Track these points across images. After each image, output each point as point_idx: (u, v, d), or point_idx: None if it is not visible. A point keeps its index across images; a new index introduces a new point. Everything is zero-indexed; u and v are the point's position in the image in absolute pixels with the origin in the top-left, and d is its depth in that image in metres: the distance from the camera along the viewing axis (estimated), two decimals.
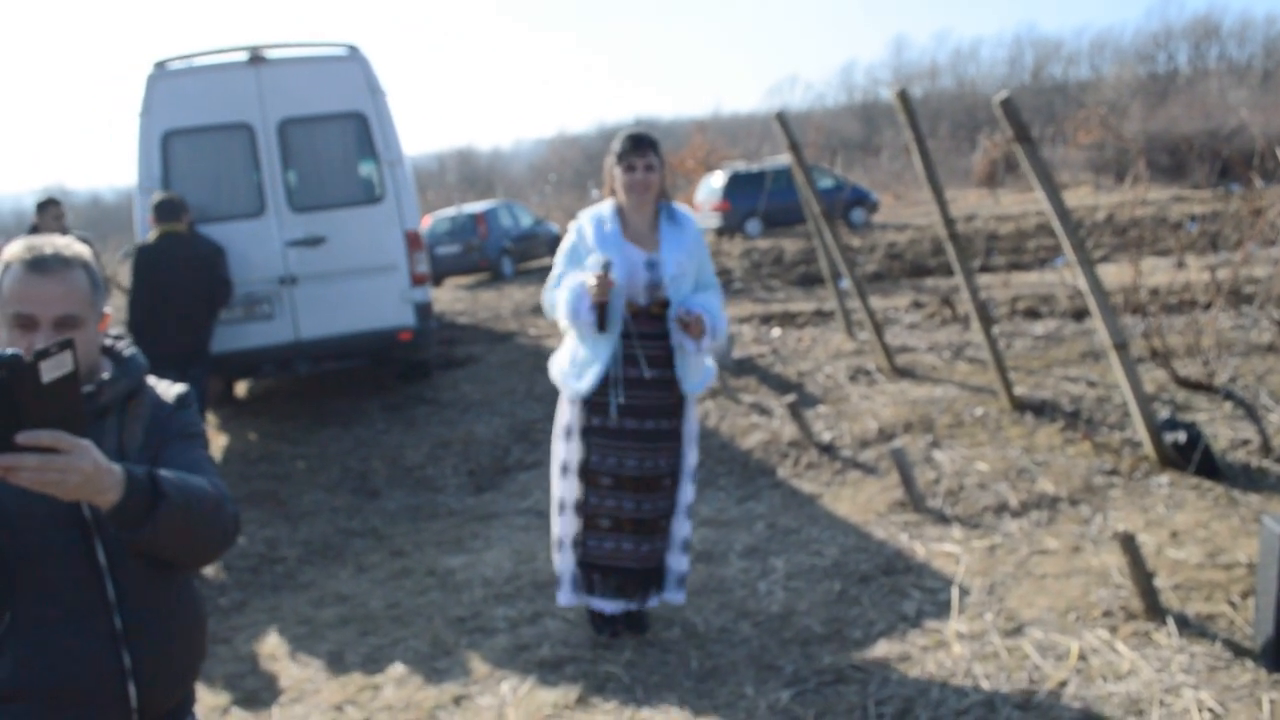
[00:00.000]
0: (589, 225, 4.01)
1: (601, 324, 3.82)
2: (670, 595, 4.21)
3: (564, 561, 4.17)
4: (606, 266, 3.74)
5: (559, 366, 4.14)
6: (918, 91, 62.07)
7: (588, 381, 3.99)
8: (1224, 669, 3.46)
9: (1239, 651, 3.55)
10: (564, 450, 4.13)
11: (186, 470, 2.03)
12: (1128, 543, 3.72)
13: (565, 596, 4.21)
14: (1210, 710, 3.23)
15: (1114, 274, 11.42)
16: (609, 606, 4.17)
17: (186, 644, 2.18)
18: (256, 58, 8.17)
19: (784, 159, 26.36)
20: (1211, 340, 7.23)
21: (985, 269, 14.02)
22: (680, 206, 4.21)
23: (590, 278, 3.76)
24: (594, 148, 53.36)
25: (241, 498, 6.87)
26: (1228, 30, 64.34)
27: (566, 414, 4.12)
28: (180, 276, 7.05)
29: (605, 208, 4.07)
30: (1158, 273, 11.82)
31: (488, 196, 38.05)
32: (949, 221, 6.60)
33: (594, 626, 4.25)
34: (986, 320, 6.47)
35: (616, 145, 4.03)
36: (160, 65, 8.03)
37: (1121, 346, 5.30)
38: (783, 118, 8.52)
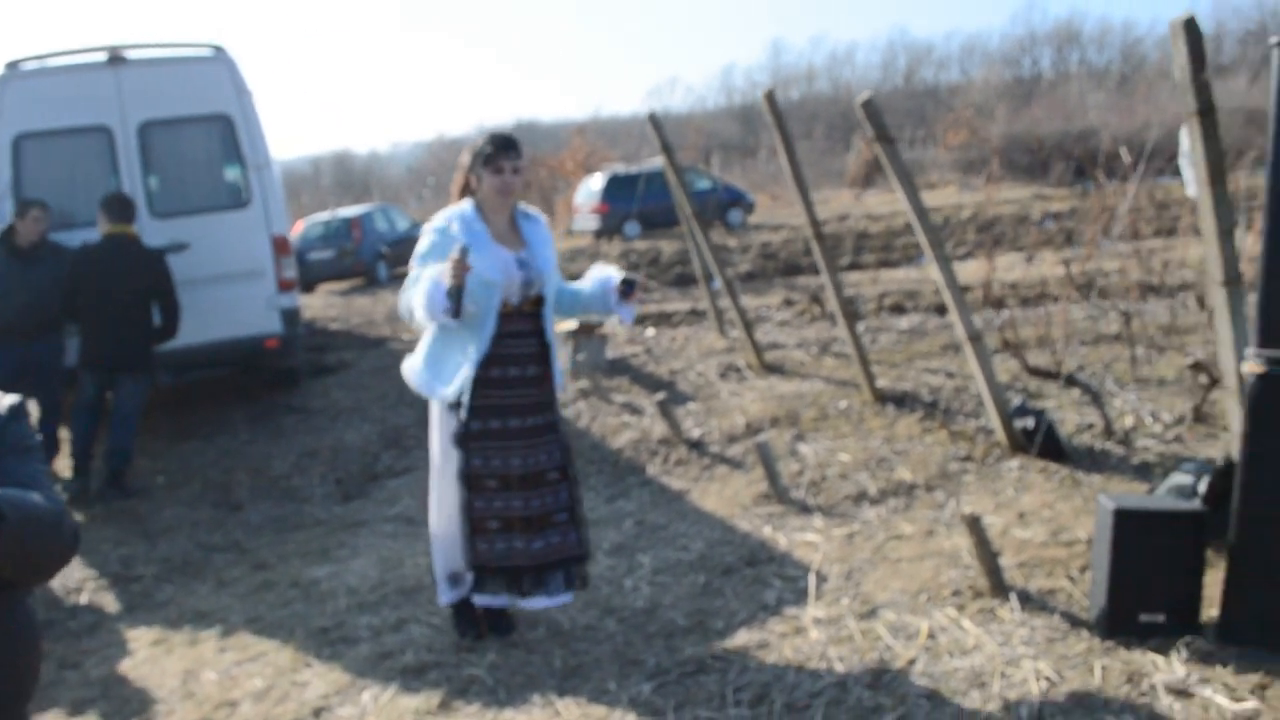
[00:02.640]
0: (457, 225, 3.97)
1: (457, 311, 3.75)
2: (559, 597, 4.15)
3: (445, 562, 4.11)
4: (464, 252, 3.70)
5: (413, 369, 4.10)
6: (795, 94, 63.34)
7: (456, 385, 3.95)
8: (1061, 640, 3.61)
9: (1075, 622, 3.71)
10: (442, 455, 4.08)
11: (22, 486, 1.95)
12: (974, 525, 3.86)
13: (446, 595, 4.17)
14: (1047, 679, 3.37)
15: (974, 269, 11.85)
16: (495, 601, 4.11)
17: (12, 669, 2.09)
18: (116, 58, 7.88)
19: (658, 160, 26.67)
20: (1060, 331, 7.56)
21: (855, 267, 14.39)
22: (526, 206, 4.25)
23: (446, 265, 3.73)
24: None
25: (97, 515, 6.62)
26: (1088, 36, 67.33)
27: (442, 418, 4.07)
28: (123, 282, 6.79)
29: (466, 208, 4.04)
30: (1016, 268, 12.31)
31: (364, 200, 37.36)
32: (814, 222, 6.75)
33: (459, 630, 4.21)
34: (849, 316, 6.64)
35: (483, 147, 4.01)
36: (12, 66, 7.68)
37: (975, 338, 5.49)
38: (655, 120, 8.59)
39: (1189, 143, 6.42)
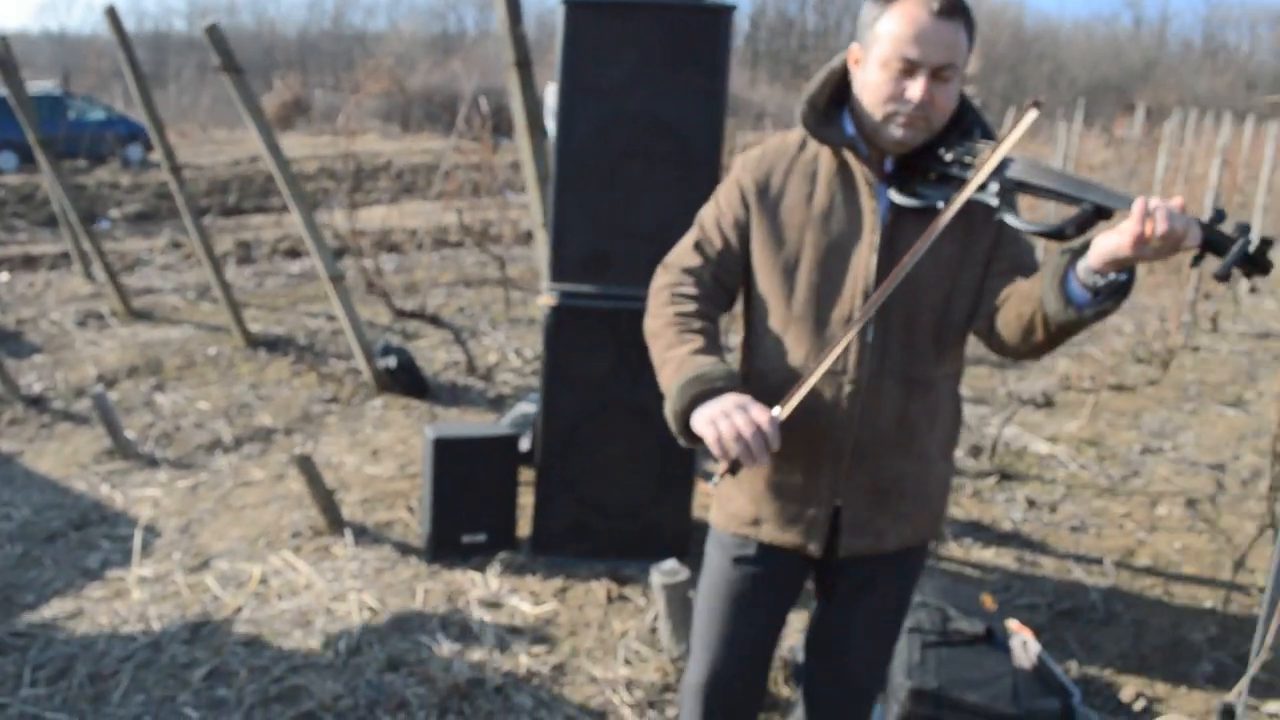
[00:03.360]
0: None
1: None
2: None
3: None
4: None
5: None
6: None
7: None
8: (390, 569, 3.71)
9: (407, 551, 3.84)
10: None
11: None
12: (304, 464, 3.82)
13: None
14: (370, 608, 3.44)
15: (382, 215, 11.93)
16: None
17: None
18: None
19: (47, 84, 23.50)
20: (429, 275, 7.83)
21: (261, 210, 13.81)
22: None
23: None
24: None
25: None
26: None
27: None
28: None
29: None
30: (422, 215, 12.58)
31: None
32: (171, 158, 6.25)
33: None
34: (213, 259, 6.29)
35: None
36: None
37: (337, 279, 5.46)
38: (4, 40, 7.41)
39: (547, 97, 6.85)
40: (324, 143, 23.85)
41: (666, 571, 3.01)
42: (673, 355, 1.76)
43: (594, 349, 3.66)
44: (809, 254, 1.79)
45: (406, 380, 5.57)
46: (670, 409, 1.72)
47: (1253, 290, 10.63)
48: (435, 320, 6.20)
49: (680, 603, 2.99)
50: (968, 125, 1.78)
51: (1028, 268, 1.79)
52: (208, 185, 15.39)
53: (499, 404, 5.60)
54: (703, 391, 1.68)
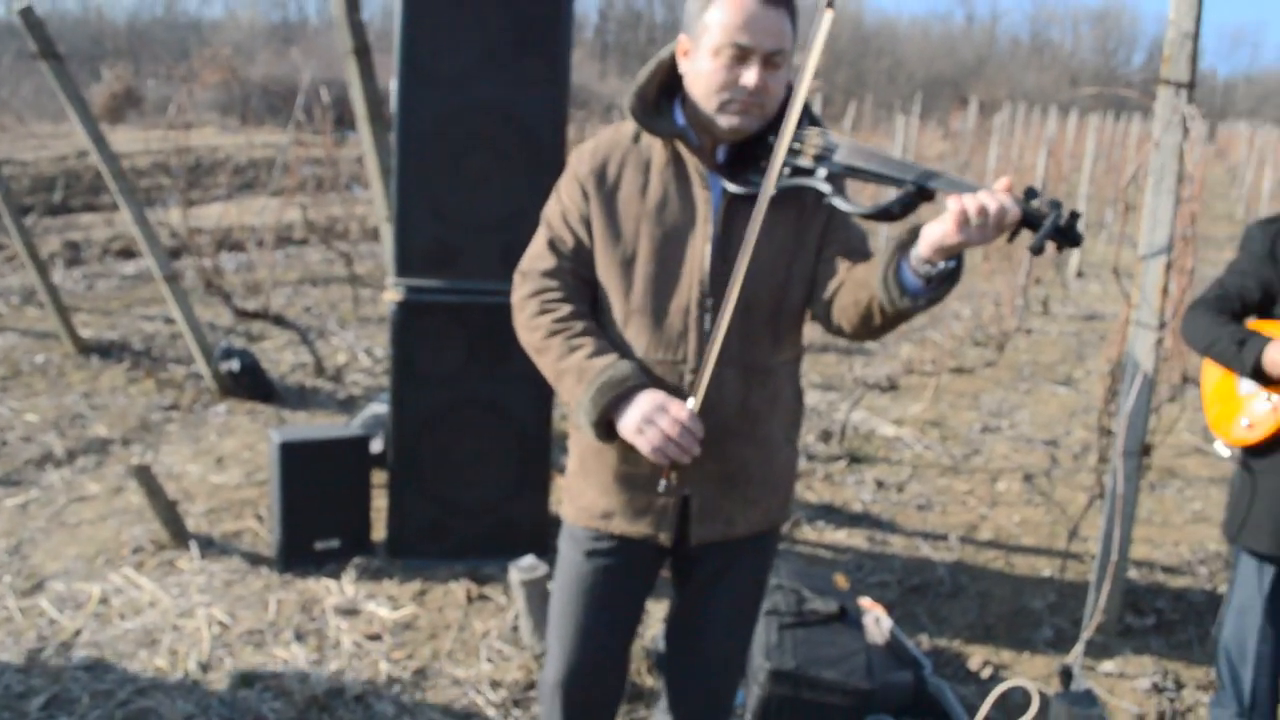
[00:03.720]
0: None
1: None
2: None
3: None
4: None
5: None
6: (39, 11, 55.83)
7: None
8: (241, 580, 3.58)
9: (258, 561, 3.70)
10: None
11: None
12: (143, 475, 3.65)
13: None
14: (220, 622, 3.31)
15: (221, 213, 11.48)
16: None
17: None
18: None
19: None
20: (272, 274, 7.59)
21: (90, 208, 13.12)
22: None
23: None
24: None
25: None
26: None
27: None
28: None
29: None
30: (267, 212, 12.16)
31: None
32: None
33: None
34: (38, 261, 5.94)
35: None
36: None
37: (171, 279, 5.23)
38: None
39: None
40: (157, 136, 22.84)
41: (525, 568, 2.99)
42: (569, 364, 1.76)
43: (444, 344, 3.60)
44: (645, 246, 1.80)
45: (251, 384, 5.37)
46: (586, 419, 1.75)
47: (1079, 275, 11.23)
48: (280, 320, 6.01)
49: (540, 599, 2.98)
50: (806, 114, 1.81)
51: (860, 252, 1.85)
52: (30, 182, 14.52)
53: (350, 405, 5.47)
54: (616, 397, 1.72)
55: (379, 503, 3.90)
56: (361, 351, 6.49)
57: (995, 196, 1.50)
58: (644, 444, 1.71)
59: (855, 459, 5.10)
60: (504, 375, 3.63)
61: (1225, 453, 2.74)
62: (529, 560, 3.02)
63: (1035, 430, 5.84)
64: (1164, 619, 3.61)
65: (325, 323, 7.25)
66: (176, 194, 11.96)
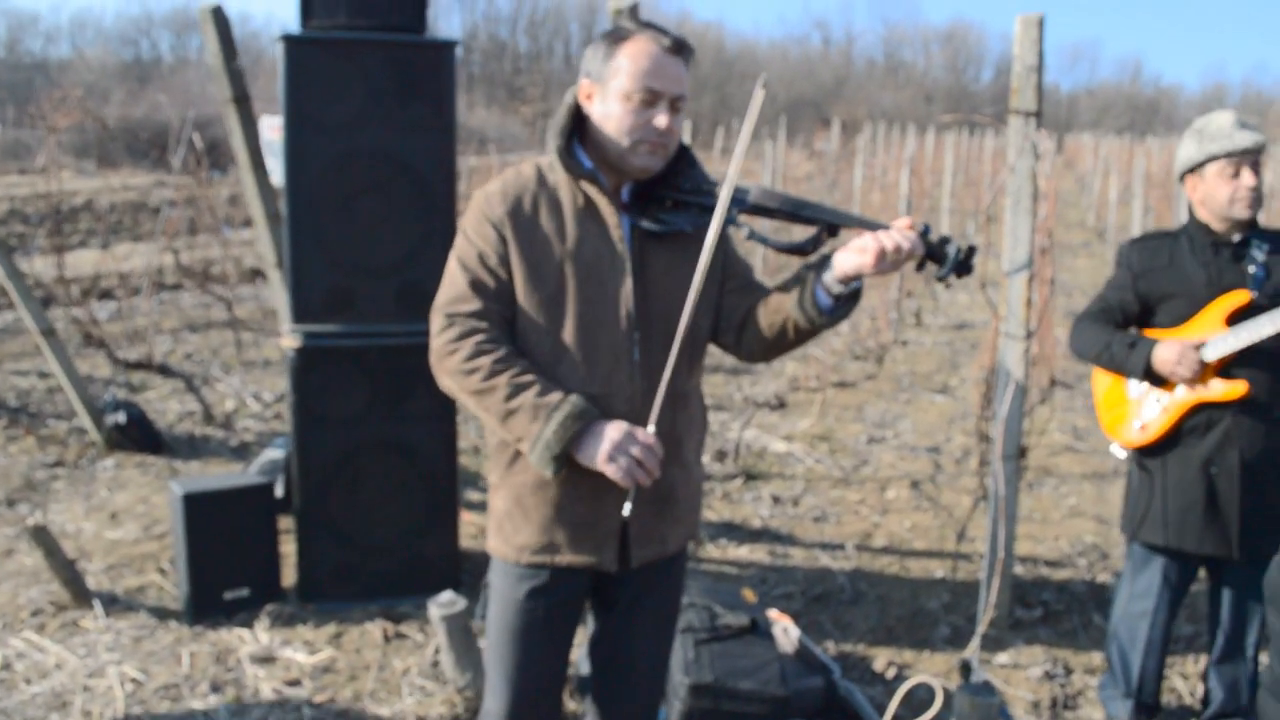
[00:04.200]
0: None
1: None
2: None
3: None
4: None
5: None
6: None
7: None
8: (149, 636, 3.52)
9: (166, 615, 3.65)
10: None
11: None
12: (40, 535, 3.57)
13: None
14: (133, 680, 3.26)
15: (91, 260, 11.13)
16: None
17: None
18: None
19: None
20: (151, 321, 7.42)
21: None
22: None
23: None
24: None
25: None
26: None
27: None
28: None
29: None
30: (134, 257, 11.83)
31: None
32: None
33: None
34: None
35: None
36: None
37: (48, 333, 5.10)
38: None
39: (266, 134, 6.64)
40: (10, 182, 21.97)
41: (444, 604, 3.03)
42: (521, 403, 1.82)
43: (345, 388, 3.63)
44: (570, 285, 1.89)
45: (139, 436, 5.26)
46: (546, 453, 1.82)
47: (947, 286, 11.72)
48: (164, 370, 5.89)
49: (461, 633, 3.03)
50: (690, 157, 1.98)
51: (754, 283, 2.06)
52: None
53: (243, 452, 5.40)
54: (578, 431, 1.81)
55: (285, 548, 3.89)
56: (249, 396, 6.41)
57: (906, 236, 1.77)
58: (615, 470, 1.80)
59: (751, 476, 5.27)
60: (407, 415, 3.67)
61: (1122, 454, 2.95)
62: (447, 596, 3.07)
63: (918, 438, 6.12)
64: (1050, 610, 3.85)
65: (209, 369, 7.12)
66: (41, 242, 11.54)
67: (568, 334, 1.89)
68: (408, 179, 3.56)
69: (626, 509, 1.85)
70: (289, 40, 3.42)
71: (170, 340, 8.09)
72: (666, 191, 1.95)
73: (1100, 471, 5.55)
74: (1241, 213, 2.69)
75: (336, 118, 3.47)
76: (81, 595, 3.71)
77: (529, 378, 1.84)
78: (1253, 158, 2.67)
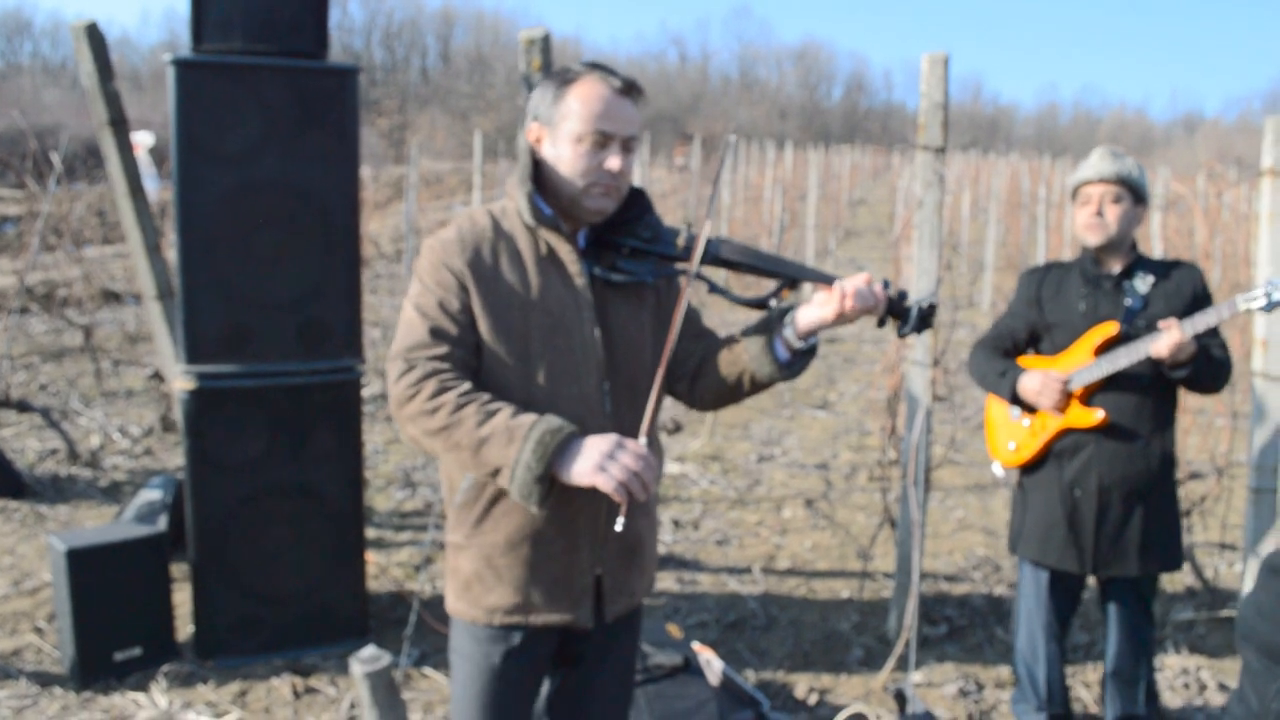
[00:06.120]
0: None
1: None
2: None
3: None
4: None
5: None
6: None
7: None
8: (32, 705, 3.26)
9: (48, 681, 3.39)
10: None
11: None
12: None
13: None
14: None
15: None
16: None
17: None
18: None
19: None
20: (5, 353, 6.95)
21: None
22: None
23: None
24: None
25: None
26: (40, 29, 64.18)
27: None
28: None
29: None
30: None
31: None
32: None
33: None
34: None
35: None
36: None
37: None
38: None
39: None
40: None
41: (367, 660, 2.89)
42: (493, 428, 1.71)
43: (244, 431, 3.44)
44: (537, 336, 1.83)
45: None
46: (529, 477, 1.69)
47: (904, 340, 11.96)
48: (21, 405, 5.51)
49: (386, 690, 2.89)
50: (645, 202, 1.94)
51: (705, 331, 2.04)
52: None
53: (114, 493, 5.08)
54: (560, 444, 1.69)
55: (178, 598, 3.67)
56: (115, 431, 6.05)
57: (869, 291, 1.77)
58: (606, 481, 1.67)
59: None
60: (310, 457, 3.51)
61: (1000, 473, 3.07)
62: (369, 651, 2.92)
63: (805, 455, 6.21)
64: (954, 625, 3.94)
65: (68, 401, 6.70)
66: None
67: (539, 384, 1.83)
68: (309, 210, 3.41)
69: (619, 524, 1.74)
70: (179, 64, 3.23)
71: (20, 371, 7.59)
72: (624, 239, 1.91)
73: (981, 483, 5.73)
74: (1089, 240, 2.84)
75: (232, 147, 3.30)
76: None
77: (498, 404, 1.74)
78: (1106, 187, 2.80)
